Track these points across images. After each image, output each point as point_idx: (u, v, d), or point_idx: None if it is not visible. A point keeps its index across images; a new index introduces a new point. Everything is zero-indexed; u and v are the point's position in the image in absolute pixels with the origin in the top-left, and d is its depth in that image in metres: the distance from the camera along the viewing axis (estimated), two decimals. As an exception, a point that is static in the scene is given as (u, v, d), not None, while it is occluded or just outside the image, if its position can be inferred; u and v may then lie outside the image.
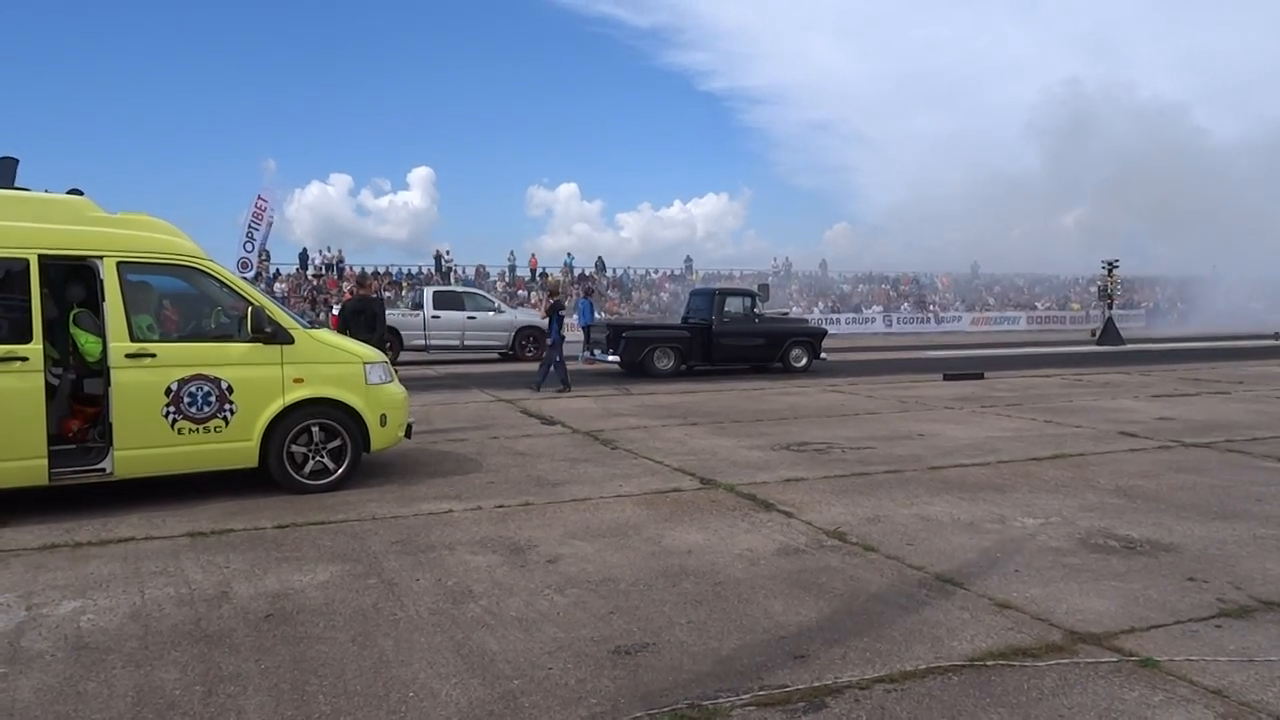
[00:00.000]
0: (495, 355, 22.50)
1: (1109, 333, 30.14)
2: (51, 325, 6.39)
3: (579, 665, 3.54)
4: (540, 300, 19.07)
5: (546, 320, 15.01)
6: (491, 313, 22.75)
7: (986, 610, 4.15)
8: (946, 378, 16.53)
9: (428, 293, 22.91)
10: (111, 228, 6.30)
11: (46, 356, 6.07)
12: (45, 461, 5.92)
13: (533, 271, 42.98)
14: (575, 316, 22.16)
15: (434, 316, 21.79)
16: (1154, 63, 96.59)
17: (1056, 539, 5.38)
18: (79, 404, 6.77)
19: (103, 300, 6.13)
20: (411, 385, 9.37)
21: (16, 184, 6.45)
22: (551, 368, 14.50)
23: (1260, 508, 6.14)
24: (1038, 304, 49.49)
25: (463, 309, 22.42)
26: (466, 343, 22.15)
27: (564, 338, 14.80)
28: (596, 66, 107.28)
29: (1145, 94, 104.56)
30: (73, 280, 6.69)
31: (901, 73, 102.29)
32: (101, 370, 6.25)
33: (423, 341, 21.67)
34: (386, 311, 15.52)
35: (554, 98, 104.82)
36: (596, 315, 22.39)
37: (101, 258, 6.14)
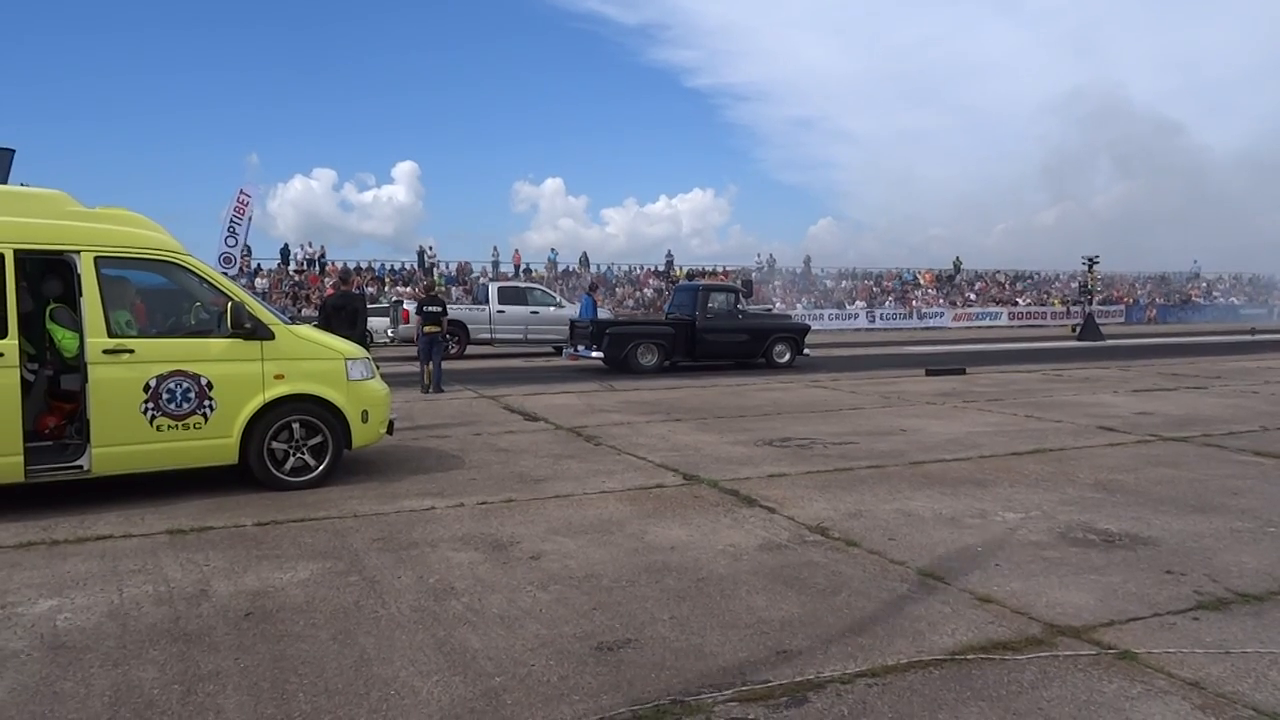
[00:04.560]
0: (551, 349, 22.86)
1: (1089, 328, 30.45)
2: (28, 321, 6.31)
3: (561, 662, 3.53)
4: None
5: (419, 320, 14.24)
6: (553, 307, 23.42)
7: (967, 604, 4.17)
8: (929, 373, 16.63)
9: (493, 288, 23.65)
10: (89, 222, 6.22)
11: (22, 352, 6.00)
12: (21, 459, 5.85)
13: (516, 267, 42.85)
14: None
15: (499, 311, 22.57)
16: (1137, 61, 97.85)
17: (1037, 533, 5.42)
18: (56, 400, 6.69)
19: (80, 295, 6.06)
20: (394, 382, 9.33)
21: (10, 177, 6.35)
22: (430, 364, 14.03)
23: (1236, 501, 6.20)
24: (1019, 300, 49.81)
25: (526, 304, 23.19)
26: (529, 336, 22.89)
27: (434, 335, 14.08)
28: (584, 63, 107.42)
29: (1138, 102, 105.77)
30: (50, 275, 6.61)
31: (885, 70, 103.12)
32: (79, 366, 6.17)
33: (488, 335, 22.46)
34: (448, 307, 15.45)
35: (540, 93, 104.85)
36: (601, 312, 21.83)
37: (79, 252, 6.06)
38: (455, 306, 23.36)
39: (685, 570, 4.72)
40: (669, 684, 3.31)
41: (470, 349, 22.35)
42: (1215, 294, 55.69)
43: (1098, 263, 32.86)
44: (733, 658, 3.55)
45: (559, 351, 22.26)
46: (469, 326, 22.21)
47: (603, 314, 22.80)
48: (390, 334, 25.30)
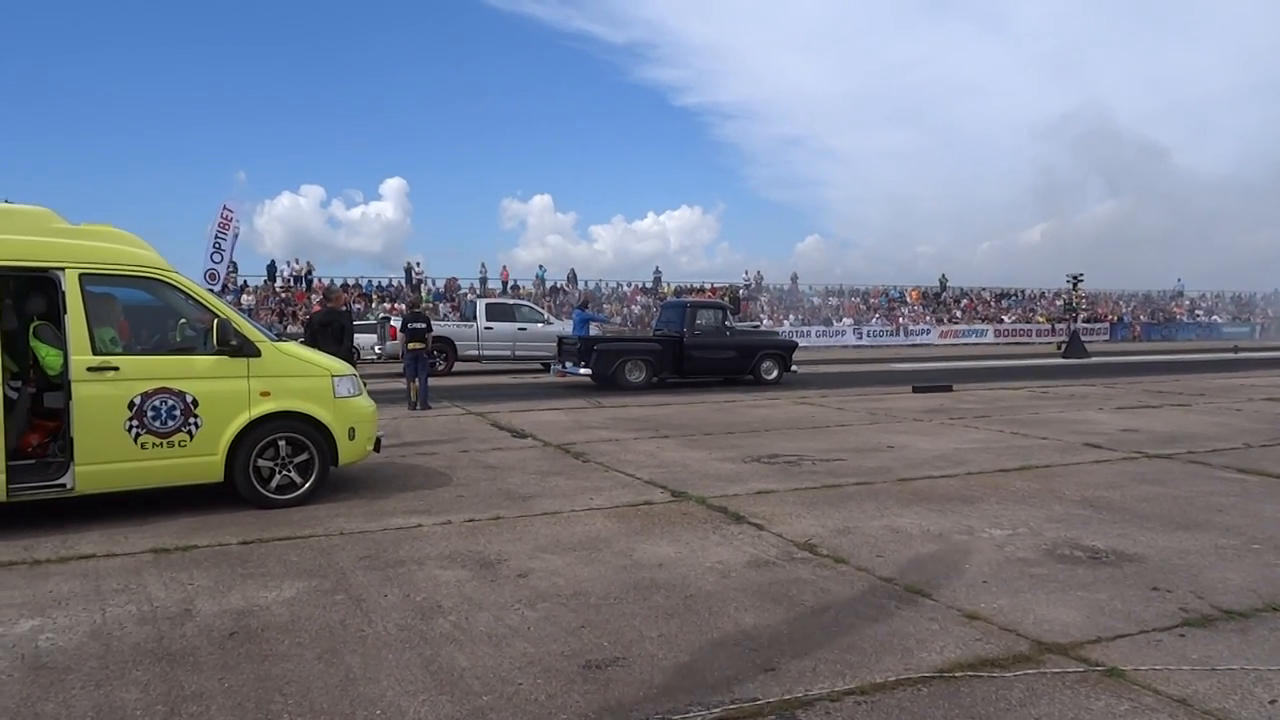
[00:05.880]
0: (539, 365, 22.67)
1: (1074, 345, 30.64)
2: (11, 338, 6.27)
3: (549, 680, 3.51)
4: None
5: (403, 337, 14.14)
6: (540, 324, 23.47)
7: (955, 621, 4.17)
8: (916, 390, 16.69)
9: (480, 305, 23.69)
10: (73, 239, 6.20)
11: (5, 370, 5.95)
12: (3, 477, 5.80)
13: (504, 284, 42.84)
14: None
15: (487, 328, 22.60)
16: (1119, 82, 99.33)
17: (1024, 550, 5.43)
18: (39, 418, 6.63)
19: (64, 312, 6.02)
20: (381, 399, 9.29)
21: None
22: (416, 381, 13.95)
23: (1221, 518, 6.24)
24: (1005, 317, 50.13)
25: (514, 320, 23.20)
26: (517, 353, 22.89)
27: (418, 352, 13.96)
28: (572, 81, 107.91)
29: (1122, 124, 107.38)
30: (33, 292, 6.56)
31: (872, 90, 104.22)
32: (62, 384, 6.12)
33: (476, 352, 22.49)
34: (433, 324, 15.43)
35: (529, 111, 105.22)
36: (593, 330, 20.95)
37: (63, 269, 6.03)
38: (444, 323, 23.36)
39: (673, 587, 4.71)
40: (657, 702, 3.29)
41: (458, 366, 22.33)
42: (1198, 312, 56.17)
43: (1082, 281, 33.12)
44: (721, 675, 3.54)
45: (547, 368, 22.27)
46: (457, 343, 22.20)
47: (596, 331, 22.67)
48: (377, 350, 25.26)
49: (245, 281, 38.21)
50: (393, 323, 23.14)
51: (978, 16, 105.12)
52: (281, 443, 6.69)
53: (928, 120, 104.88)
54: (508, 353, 22.81)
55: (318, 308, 15.81)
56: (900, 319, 47.41)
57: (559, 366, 18.61)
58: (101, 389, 6.05)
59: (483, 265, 43.73)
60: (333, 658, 3.76)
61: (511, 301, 26.72)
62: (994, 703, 3.28)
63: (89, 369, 6.01)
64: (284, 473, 6.70)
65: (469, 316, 23.55)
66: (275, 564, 5.21)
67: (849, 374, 22.38)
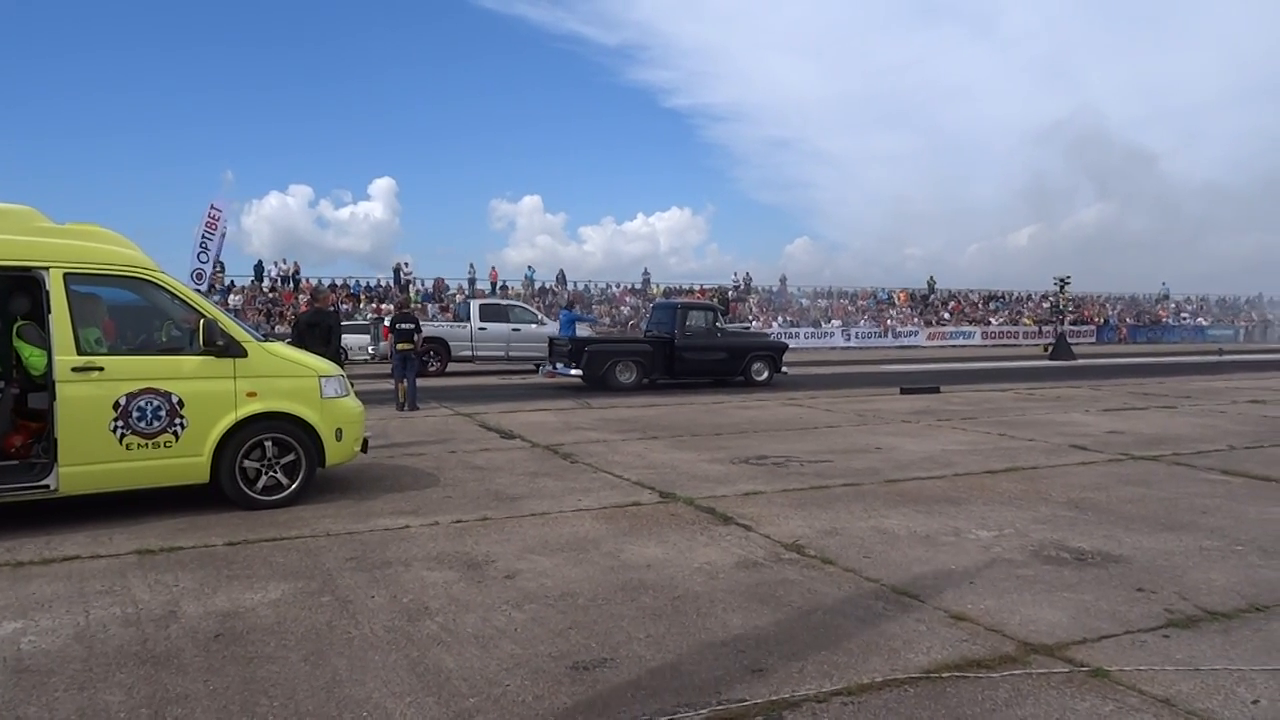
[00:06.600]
0: (532, 366, 22.76)
1: (1061, 348, 30.78)
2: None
3: (536, 682, 3.50)
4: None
5: (392, 338, 14.22)
6: (534, 325, 23.48)
7: (941, 622, 4.19)
8: (903, 392, 16.74)
9: (474, 305, 23.69)
10: (58, 238, 6.15)
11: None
12: (-14, 478, 5.75)
13: (493, 284, 42.75)
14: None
15: (480, 328, 22.63)
16: (1107, 86, 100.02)
17: (1010, 551, 5.45)
18: (22, 419, 6.58)
19: (48, 312, 5.97)
20: (369, 399, 9.26)
21: None
22: (404, 382, 13.94)
23: (1205, 519, 6.28)
24: (992, 319, 50.34)
25: (508, 321, 23.22)
26: (511, 354, 22.93)
27: (406, 353, 13.99)
28: (563, 82, 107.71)
29: (1110, 128, 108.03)
30: (17, 292, 6.51)
31: (862, 93, 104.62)
32: (46, 384, 6.08)
33: (469, 352, 22.52)
34: (422, 324, 15.40)
35: (519, 111, 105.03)
36: (580, 330, 21.20)
37: (47, 269, 5.99)
38: (437, 324, 23.34)
39: (661, 588, 4.71)
40: (644, 703, 3.29)
41: (450, 366, 22.29)
42: (1184, 315, 56.57)
43: (1069, 283, 33.32)
44: (708, 676, 3.54)
45: (537, 369, 22.28)
46: (450, 344, 22.20)
47: (583, 330, 22.70)
48: (371, 351, 25.22)
49: (232, 281, 38.04)
50: (386, 323, 23.13)
51: (968, 20, 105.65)
52: (268, 443, 6.66)
53: (918, 123, 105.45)
54: (501, 353, 22.83)
55: (305, 308, 15.75)
56: (888, 321, 47.55)
57: (549, 367, 18.60)
58: (86, 389, 6.01)
59: (471, 266, 43.68)
60: (319, 659, 3.74)
61: (505, 302, 26.70)
62: (980, 703, 3.29)
63: (73, 369, 5.97)
64: (270, 474, 6.67)
65: (463, 317, 23.56)
66: (261, 565, 5.18)
67: (837, 375, 22.44)
